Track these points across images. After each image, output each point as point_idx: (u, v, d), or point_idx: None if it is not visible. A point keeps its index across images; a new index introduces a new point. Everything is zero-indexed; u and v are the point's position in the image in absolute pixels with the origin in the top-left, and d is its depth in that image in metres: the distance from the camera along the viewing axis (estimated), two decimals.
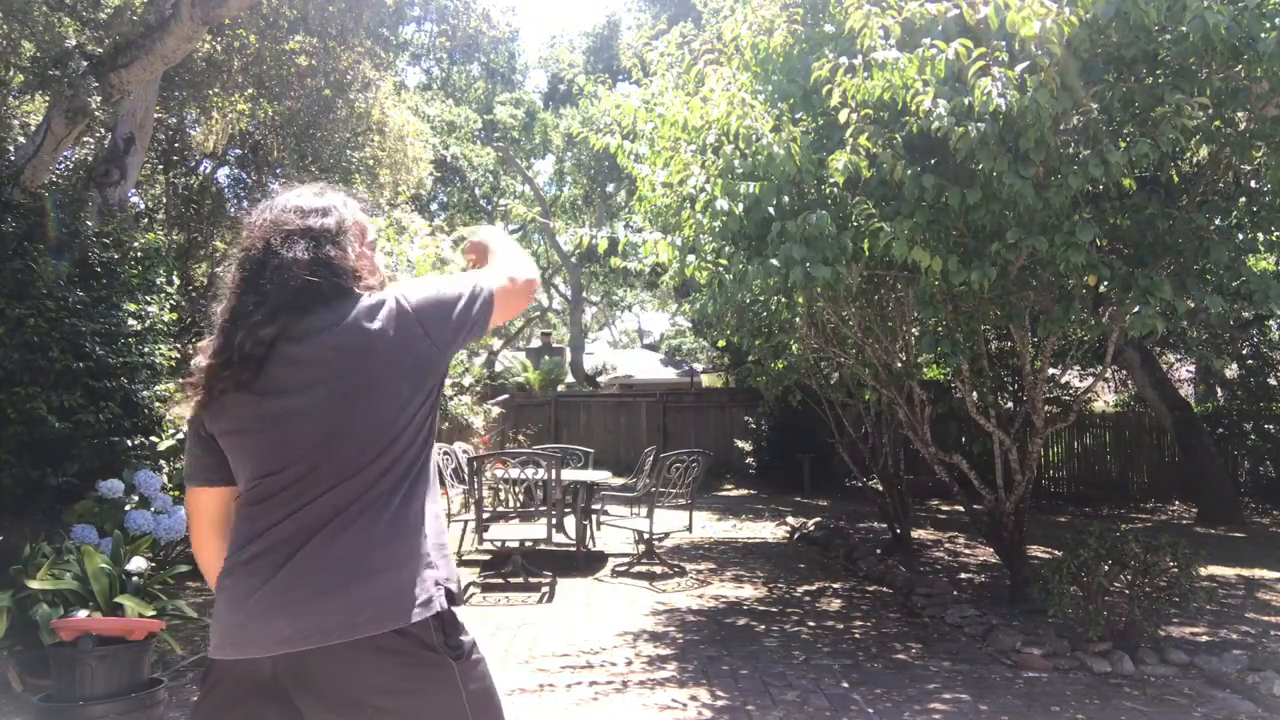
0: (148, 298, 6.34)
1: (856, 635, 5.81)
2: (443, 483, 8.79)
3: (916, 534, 9.65)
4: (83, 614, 3.92)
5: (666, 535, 8.57)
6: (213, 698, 1.60)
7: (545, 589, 6.96)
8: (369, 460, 1.57)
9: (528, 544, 7.31)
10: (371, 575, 1.53)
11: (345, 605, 1.50)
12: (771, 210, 5.01)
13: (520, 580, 7.18)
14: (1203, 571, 5.70)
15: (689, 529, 8.09)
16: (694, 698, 4.52)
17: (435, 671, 1.54)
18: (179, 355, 6.52)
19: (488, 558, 8.25)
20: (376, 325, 1.60)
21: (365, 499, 1.56)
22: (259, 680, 1.53)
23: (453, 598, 1.62)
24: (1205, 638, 5.64)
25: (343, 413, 1.57)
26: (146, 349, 6.15)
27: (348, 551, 1.53)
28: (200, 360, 1.64)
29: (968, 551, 9.06)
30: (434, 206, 22.71)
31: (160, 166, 11.99)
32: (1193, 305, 5.15)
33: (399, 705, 1.52)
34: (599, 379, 24.54)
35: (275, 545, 1.55)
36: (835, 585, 7.45)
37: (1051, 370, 7.94)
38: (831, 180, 4.97)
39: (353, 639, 1.49)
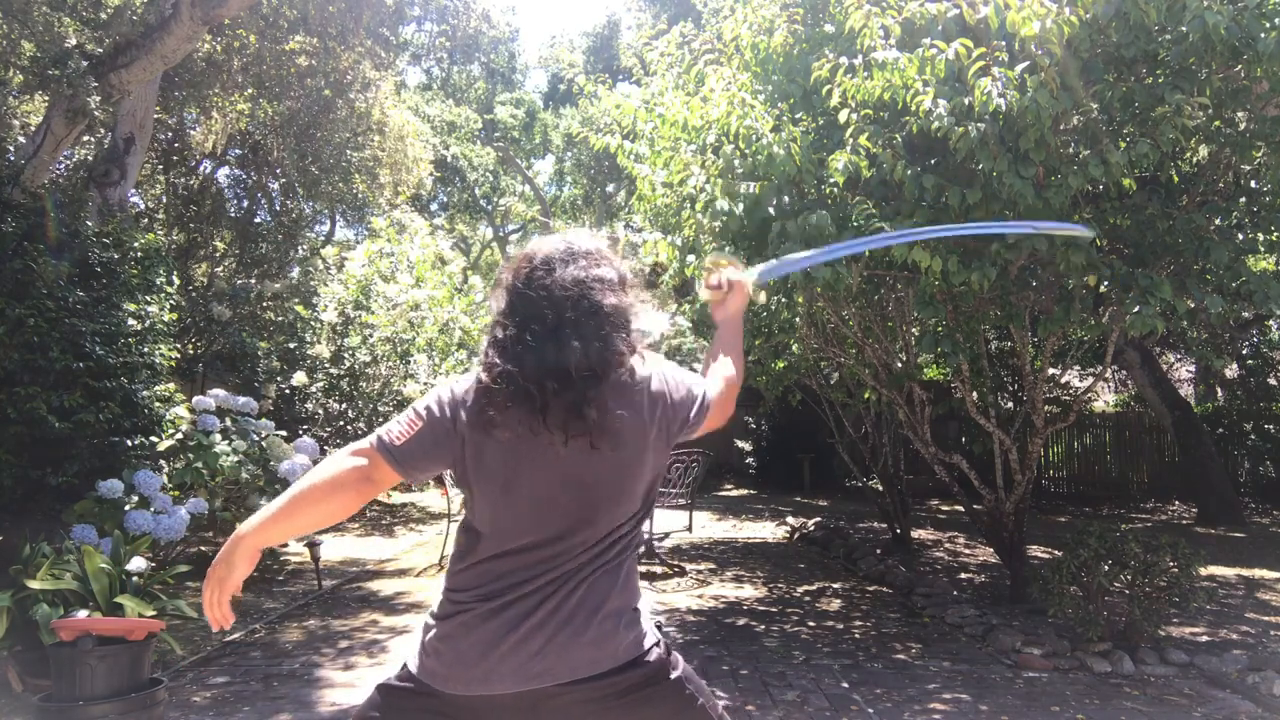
0: (148, 298, 6.34)
1: (856, 635, 5.81)
2: (442, 483, 8.80)
3: (916, 534, 9.65)
4: (83, 614, 3.92)
5: (666, 535, 8.57)
6: None
7: None
8: (618, 521, 1.75)
9: None
10: (610, 617, 1.70)
11: (590, 644, 1.67)
12: (771, 210, 5.01)
13: None
14: (1203, 571, 5.69)
15: (689, 529, 8.09)
16: None
17: (667, 687, 1.73)
18: (179, 355, 6.52)
19: None
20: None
21: (607, 554, 1.73)
22: (496, 712, 1.68)
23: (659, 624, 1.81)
24: (1205, 638, 5.64)
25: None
26: (146, 349, 6.15)
27: (590, 599, 1.69)
28: None
29: (968, 551, 9.06)
30: (434, 206, 22.72)
31: (160, 166, 11.99)
32: (1193, 305, 5.15)
33: None
34: None
35: (529, 594, 1.68)
36: (835, 585, 7.45)
37: (1051, 370, 7.94)
38: (831, 180, 4.97)
39: (596, 673, 1.67)
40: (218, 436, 6.55)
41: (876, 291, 6.74)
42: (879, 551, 8.52)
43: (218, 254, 12.95)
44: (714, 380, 1.97)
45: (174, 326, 7.15)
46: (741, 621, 6.16)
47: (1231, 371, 13.92)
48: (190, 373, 10.25)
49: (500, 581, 1.68)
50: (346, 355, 11.68)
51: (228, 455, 6.43)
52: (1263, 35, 4.15)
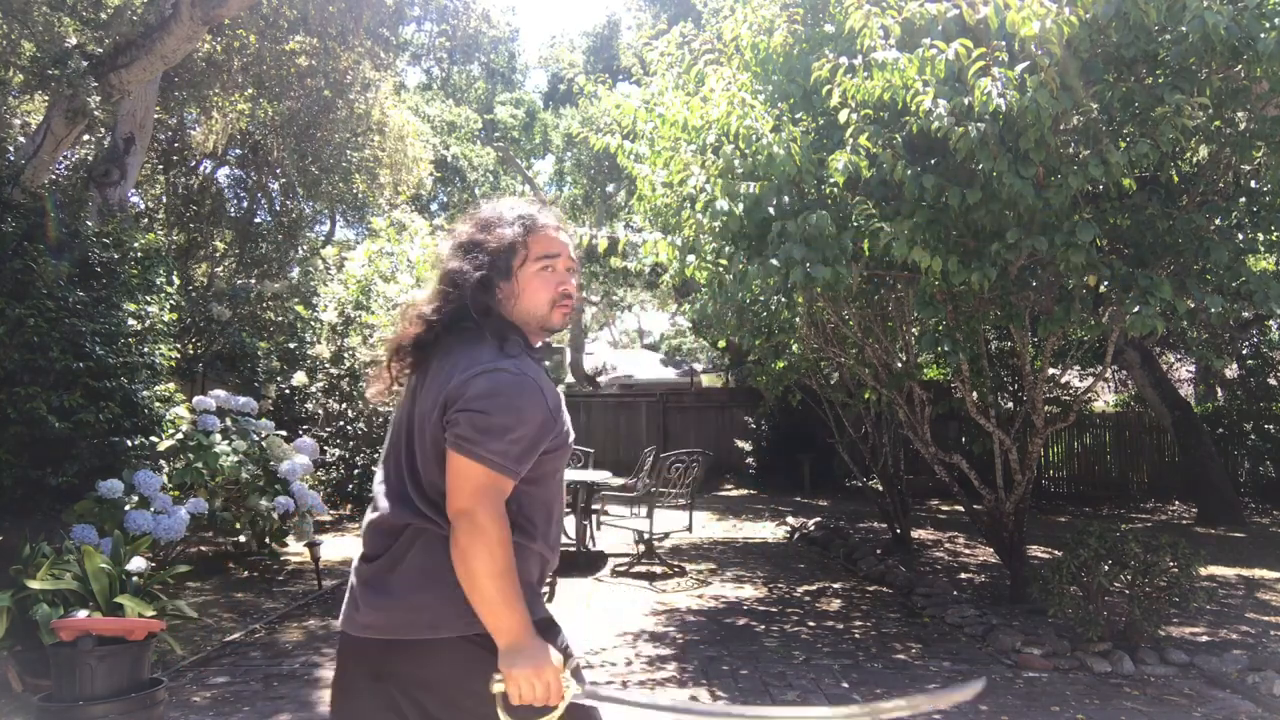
0: (148, 298, 6.34)
1: (856, 635, 5.81)
2: None
3: (916, 534, 9.65)
4: (83, 614, 3.92)
5: (666, 535, 8.57)
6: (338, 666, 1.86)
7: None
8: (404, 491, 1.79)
9: None
10: (426, 589, 1.69)
11: (378, 608, 1.72)
12: (771, 210, 5.01)
13: None
14: (1203, 571, 5.69)
15: (689, 529, 8.08)
16: (694, 698, 4.52)
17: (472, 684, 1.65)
18: (179, 355, 6.53)
19: None
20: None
21: (413, 525, 1.74)
22: (371, 658, 1.74)
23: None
24: (1205, 638, 5.64)
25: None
26: (146, 349, 6.16)
27: (396, 561, 1.73)
28: None
29: (968, 551, 9.06)
30: (434, 206, 22.69)
31: (160, 166, 12.00)
32: (1193, 305, 5.15)
33: (442, 707, 1.68)
34: (599, 379, 24.54)
35: (365, 546, 1.84)
36: (835, 585, 7.45)
37: (1051, 370, 7.93)
38: (831, 180, 4.97)
39: (412, 639, 1.68)
40: (218, 436, 6.55)
41: (876, 291, 6.74)
42: (879, 551, 8.52)
43: (218, 254, 12.96)
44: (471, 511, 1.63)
45: (174, 326, 7.15)
46: (741, 621, 6.16)
47: (1231, 371, 13.91)
48: (190, 373, 10.25)
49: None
50: (346, 355, 11.68)
51: (228, 455, 6.44)
52: (1263, 35, 4.15)
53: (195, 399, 6.82)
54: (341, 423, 11.56)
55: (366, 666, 1.73)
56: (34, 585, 4.02)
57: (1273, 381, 13.11)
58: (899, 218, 4.81)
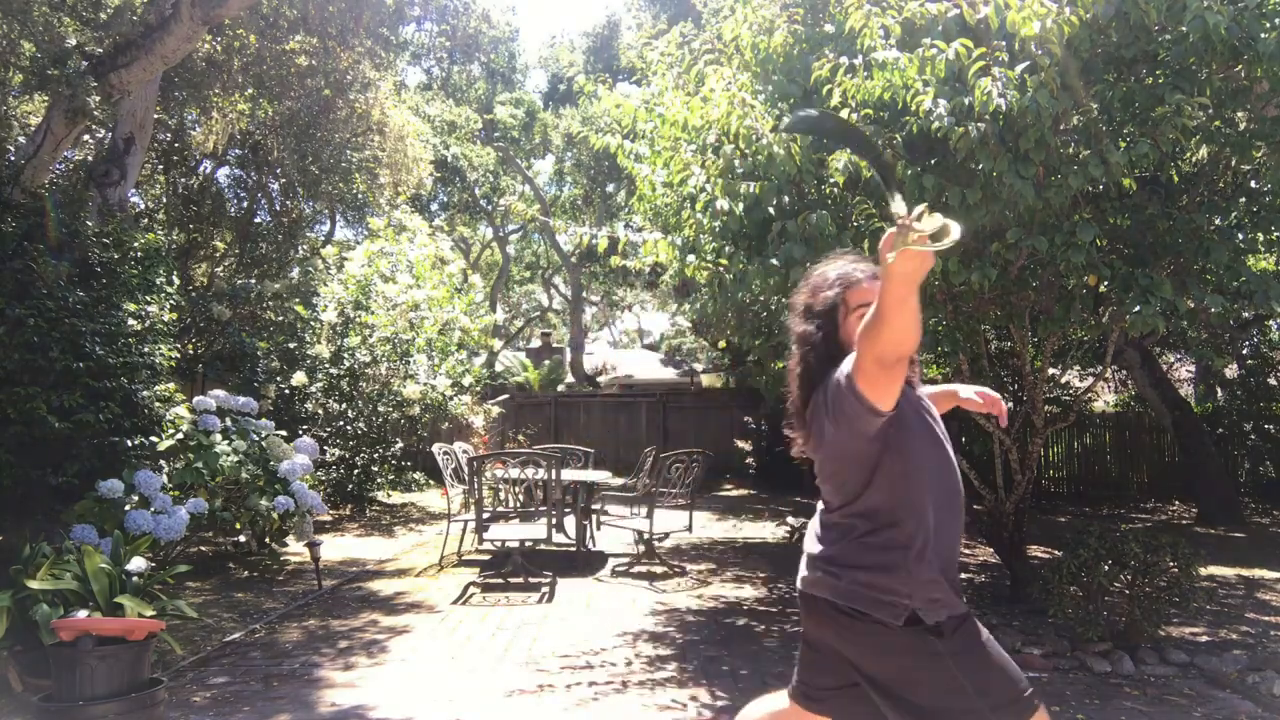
0: (148, 298, 6.34)
1: None
2: (443, 483, 8.80)
3: None
4: (83, 614, 3.92)
5: (666, 535, 8.56)
6: None
7: (545, 589, 6.96)
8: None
9: (528, 544, 7.31)
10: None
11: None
12: (771, 210, 5.01)
13: (520, 580, 7.18)
14: (1203, 571, 5.69)
15: (689, 529, 8.08)
16: (694, 698, 4.51)
17: None
18: (179, 355, 6.53)
19: (488, 558, 8.26)
20: None
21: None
22: None
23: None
24: (1205, 638, 5.64)
25: None
26: (146, 349, 6.16)
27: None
28: None
29: (968, 551, 9.06)
30: (434, 206, 22.70)
31: (160, 166, 12.00)
32: (1193, 305, 5.15)
33: None
34: (599, 379, 24.53)
35: None
36: None
37: (1051, 370, 7.93)
38: (831, 180, 4.97)
39: None
40: (218, 436, 6.55)
41: None
42: None
43: (218, 254, 12.96)
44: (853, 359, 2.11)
45: (174, 326, 7.15)
46: (741, 621, 6.16)
47: (1231, 371, 13.91)
48: (190, 373, 10.25)
49: None
50: (346, 355, 11.68)
51: (228, 455, 6.44)
52: (1263, 35, 4.15)
53: (195, 399, 6.82)
54: (341, 423, 11.56)
55: None
56: (34, 585, 4.02)
57: (1273, 381, 13.11)
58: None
